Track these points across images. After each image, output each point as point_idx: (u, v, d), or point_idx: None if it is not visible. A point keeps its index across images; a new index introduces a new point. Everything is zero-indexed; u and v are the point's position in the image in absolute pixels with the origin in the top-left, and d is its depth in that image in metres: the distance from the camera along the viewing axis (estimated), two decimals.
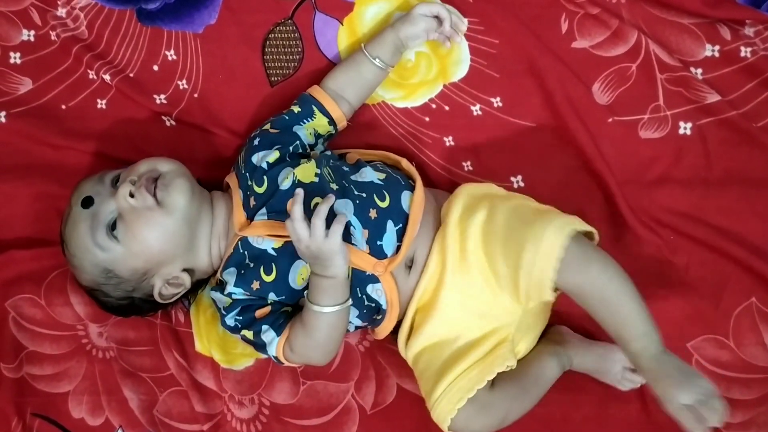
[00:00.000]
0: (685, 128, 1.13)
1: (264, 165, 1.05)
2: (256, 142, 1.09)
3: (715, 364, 1.11)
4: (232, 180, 1.09)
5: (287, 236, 0.98)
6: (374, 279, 1.03)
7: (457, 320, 1.04)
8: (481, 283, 1.02)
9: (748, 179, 1.11)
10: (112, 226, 1.02)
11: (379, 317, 1.07)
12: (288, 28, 1.19)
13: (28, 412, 1.17)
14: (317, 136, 1.12)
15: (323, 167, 1.04)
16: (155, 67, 1.20)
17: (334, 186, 1.03)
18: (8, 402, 1.16)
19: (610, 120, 1.14)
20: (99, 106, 1.21)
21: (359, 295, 1.03)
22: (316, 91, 1.12)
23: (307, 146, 1.10)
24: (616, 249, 1.12)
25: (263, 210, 1.03)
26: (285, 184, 1.03)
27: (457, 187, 1.09)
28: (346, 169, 1.07)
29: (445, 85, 1.17)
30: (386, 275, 1.03)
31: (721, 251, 1.10)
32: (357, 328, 1.09)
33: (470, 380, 1.01)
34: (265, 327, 1.04)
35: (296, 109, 1.12)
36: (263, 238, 1.02)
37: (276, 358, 1.05)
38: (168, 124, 1.21)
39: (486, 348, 1.03)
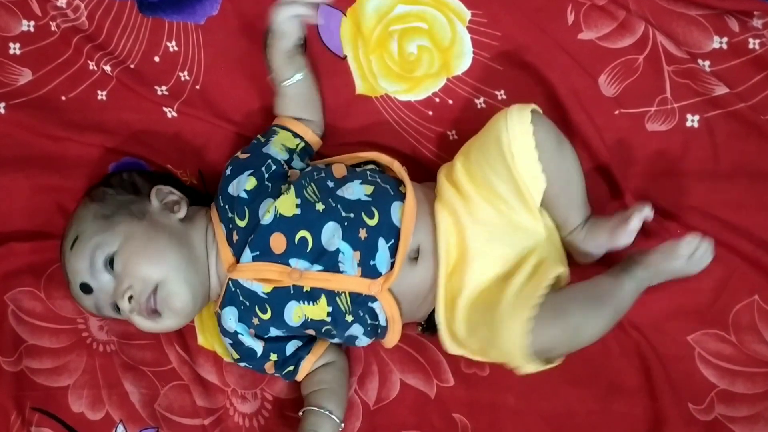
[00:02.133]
0: (692, 121, 1.01)
1: (243, 194, 0.94)
2: (228, 171, 0.98)
3: (718, 357, 1.01)
4: (213, 214, 0.98)
5: (276, 280, 0.91)
6: (372, 298, 0.93)
7: (490, 256, 0.92)
8: (492, 210, 0.92)
9: (756, 172, 1.01)
10: (115, 305, 0.95)
11: (381, 332, 0.97)
12: None
13: (27, 406, 1.06)
14: (289, 150, 1.01)
15: (305, 189, 0.94)
16: (156, 59, 1.08)
17: (320, 207, 0.92)
18: (7, 396, 1.04)
19: (616, 112, 1.02)
20: (99, 97, 1.09)
21: (361, 315, 0.94)
22: (276, 120, 1.03)
23: (283, 163, 0.99)
24: None
25: (247, 250, 0.93)
26: (266, 219, 0.92)
27: None
28: (331, 185, 0.96)
29: (448, 79, 1.05)
30: (384, 293, 0.93)
31: (727, 245, 1.00)
32: (368, 342, 1.00)
33: (529, 291, 0.88)
34: (277, 374, 1.00)
35: (260, 136, 1.02)
36: (252, 281, 0.92)
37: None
38: (169, 115, 1.09)
39: (528, 268, 0.91)
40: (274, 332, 0.97)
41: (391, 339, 0.98)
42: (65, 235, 0.98)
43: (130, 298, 0.92)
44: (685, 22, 1.02)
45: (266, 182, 0.96)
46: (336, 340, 1.00)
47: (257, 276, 0.93)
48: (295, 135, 1.02)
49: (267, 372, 1.01)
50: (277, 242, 0.92)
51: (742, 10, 1.01)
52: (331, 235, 0.92)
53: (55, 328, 1.08)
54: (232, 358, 1.01)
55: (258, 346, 0.98)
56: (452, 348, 0.96)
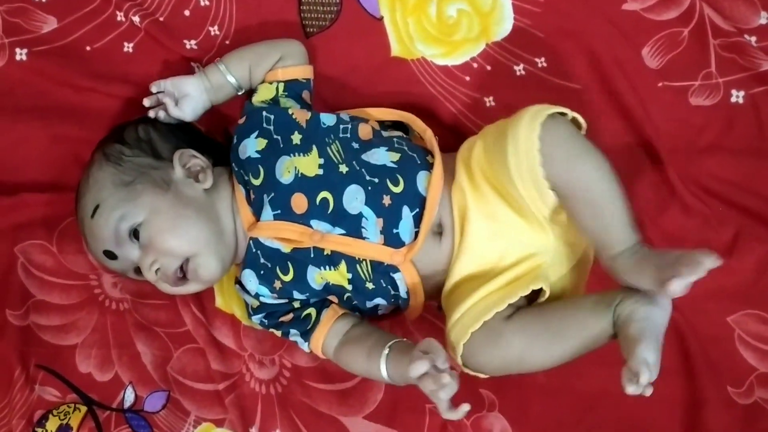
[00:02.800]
0: (737, 96, 0.96)
1: (253, 155, 0.88)
2: (234, 140, 0.92)
3: (758, 339, 0.95)
4: (233, 178, 0.92)
5: (296, 240, 0.84)
6: (394, 268, 0.86)
7: (487, 252, 0.86)
8: (504, 208, 0.85)
9: None
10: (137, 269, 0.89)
11: (402, 304, 0.90)
12: None
13: (32, 362, 0.98)
14: (272, 101, 0.95)
15: (329, 147, 0.87)
16: (186, 12, 1.03)
17: (343, 169, 0.86)
18: (12, 350, 0.97)
19: (660, 84, 0.97)
20: (126, 49, 1.02)
21: (383, 285, 0.87)
22: None
23: (282, 112, 0.92)
24: (662, 218, 0.95)
25: (268, 208, 0.86)
26: (286, 178, 0.86)
27: None
28: (356, 146, 0.89)
29: (487, 44, 0.99)
30: (406, 264, 0.86)
31: None
32: (390, 310, 0.93)
33: (490, 303, 0.82)
34: (292, 331, 0.91)
35: (247, 100, 0.97)
36: (272, 240, 0.85)
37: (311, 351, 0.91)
38: (198, 70, 1.02)
39: (517, 272, 0.84)
40: (297, 295, 0.90)
41: (412, 312, 0.92)
42: (82, 200, 0.90)
43: (157, 270, 0.86)
44: None
45: (275, 136, 0.89)
46: (357, 312, 0.93)
47: (277, 235, 0.86)
48: (270, 83, 0.95)
49: (283, 324, 0.92)
50: (298, 202, 0.86)
51: None
52: (353, 197, 0.86)
53: (65, 283, 1.01)
54: (250, 310, 0.93)
55: (282, 301, 0.92)
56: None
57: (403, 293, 0.88)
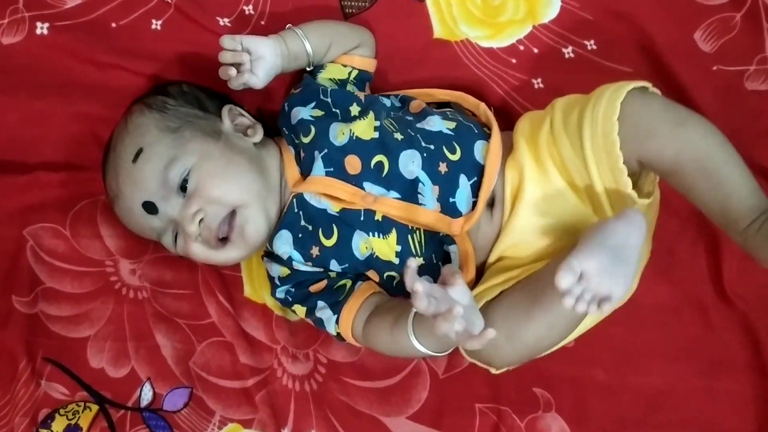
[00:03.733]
0: None
1: (307, 117, 0.81)
2: (285, 107, 0.85)
3: None
4: (279, 140, 0.85)
5: (347, 201, 0.76)
6: (449, 240, 0.77)
7: (529, 233, 0.77)
8: (564, 193, 0.76)
9: None
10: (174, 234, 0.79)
11: None
12: None
13: (39, 355, 0.85)
14: (341, 82, 0.88)
15: (383, 119, 0.80)
16: None
17: (398, 136, 0.79)
18: (18, 340, 0.84)
19: (714, 68, 0.90)
20: (153, 26, 0.94)
21: (434, 261, 0.78)
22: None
23: (343, 90, 0.86)
24: None
25: (319, 163, 0.78)
26: (341, 140, 0.79)
27: None
28: (410, 118, 0.83)
29: (534, 26, 0.93)
30: (462, 236, 0.78)
31: None
32: None
33: (486, 291, 0.74)
34: (321, 303, 0.79)
35: (308, 72, 0.89)
36: (321, 197, 0.75)
37: (338, 335, 0.79)
38: None
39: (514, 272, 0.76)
40: (333, 266, 0.80)
41: None
42: (120, 146, 0.81)
43: (201, 221, 0.75)
44: None
45: (333, 109, 0.83)
46: (395, 293, 0.82)
47: (326, 191, 0.77)
48: (344, 65, 0.88)
49: (311, 295, 0.81)
50: (352, 164, 0.79)
51: None
52: (409, 160, 0.78)
53: (78, 270, 0.89)
54: (277, 281, 0.82)
55: (316, 271, 0.81)
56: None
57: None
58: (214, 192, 0.76)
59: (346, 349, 0.87)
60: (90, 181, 0.90)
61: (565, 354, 0.87)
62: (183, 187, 0.77)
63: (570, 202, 0.77)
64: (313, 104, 0.83)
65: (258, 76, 0.82)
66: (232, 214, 0.77)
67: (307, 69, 0.88)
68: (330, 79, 0.88)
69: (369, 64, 0.90)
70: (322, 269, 0.82)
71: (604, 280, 0.63)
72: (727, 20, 0.93)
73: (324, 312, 0.80)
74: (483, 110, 0.86)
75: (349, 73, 0.88)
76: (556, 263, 0.68)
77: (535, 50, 0.94)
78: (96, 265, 0.89)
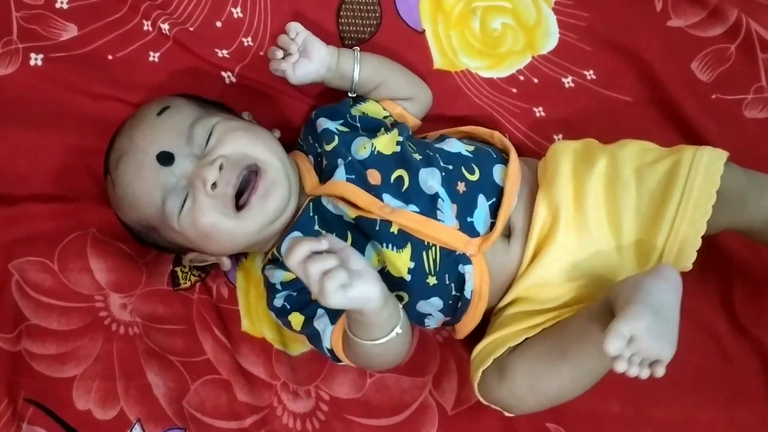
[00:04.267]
0: None
1: (332, 128, 0.79)
2: (313, 115, 0.83)
3: None
4: (294, 153, 0.82)
5: (364, 208, 0.73)
6: (465, 260, 0.74)
7: (555, 282, 0.75)
8: (600, 239, 0.74)
9: None
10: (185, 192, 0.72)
11: (460, 309, 0.76)
12: None
13: (21, 396, 0.78)
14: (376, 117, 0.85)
15: (405, 137, 0.78)
16: (218, 23, 0.93)
17: (417, 156, 0.77)
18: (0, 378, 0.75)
19: (713, 97, 0.90)
20: (151, 59, 0.91)
21: (447, 282, 0.74)
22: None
23: (373, 117, 0.84)
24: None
25: (342, 169, 0.76)
26: (362, 154, 0.77)
27: (550, 147, 0.82)
28: (428, 141, 0.82)
29: (533, 57, 0.92)
30: (479, 256, 0.75)
31: None
32: (439, 324, 0.79)
33: (509, 336, 0.71)
34: (320, 312, 0.74)
35: (351, 97, 0.87)
36: (338, 202, 0.72)
37: (331, 351, 0.74)
38: (228, 81, 0.91)
39: (547, 317, 0.73)
40: None
41: (467, 324, 0.78)
42: (143, 107, 0.78)
43: (221, 167, 0.70)
44: None
45: (361, 131, 0.81)
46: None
47: (345, 195, 0.74)
48: (384, 108, 0.86)
49: (310, 304, 0.76)
50: (373, 176, 0.76)
51: None
52: (429, 176, 0.76)
53: (66, 306, 0.83)
54: (278, 286, 0.76)
55: None
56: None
57: (468, 293, 0.74)
58: (237, 142, 0.72)
59: (350, 385, 0.82)
60: (81, 213, 0.86)
61: None
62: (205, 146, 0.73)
63: (606, 252, 0.74)
64: (340, 122, 0.81)
65: (295, 74, 0.82)
66: (256, 174, 0.72)
67: (350, 94, 0.85)
68: (364, 113, 0.85)
69: (409, 120, 0.86)
70: None
71: (654, 342, 0.61)
72: (723, 51, 0.93)
73: (322, 321, 0.75)
74: (498, 137, 0.84)
75: (385, 117, 0.85)
76: (586, 316, 0.68)
77: (536, 80, 0.93)
78: (85, 300, 0.84)
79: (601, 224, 0.75)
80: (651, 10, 0.94)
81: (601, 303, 0.69)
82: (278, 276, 0.78)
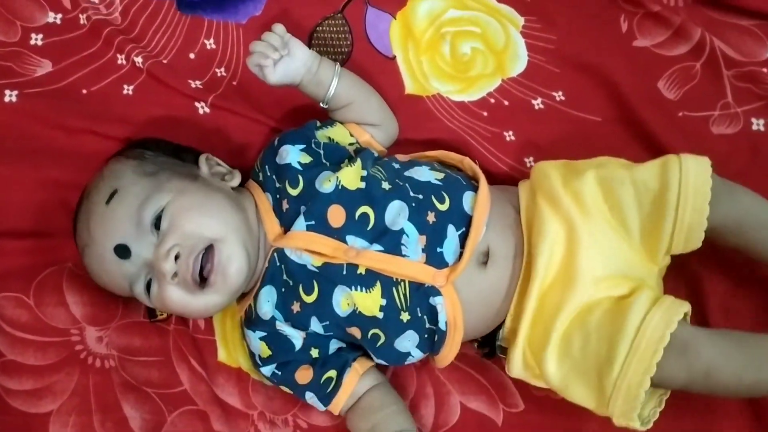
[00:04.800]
0: (758, 125, 0.91)
1: (295, 165, 0.79)
2: (276, 142, 0.83)
3: None
4: (252, 187, 0.82)
5: (328, 255, 0.73)
6: (435, 291, 0.74)
7: (602, 282, 0.74)
8: (615, 236, 0.75)
9: None
10: (148, 284, 0.74)
11: (437, 341, 0.77)
12: (337, 21, 0.95)
13: None
14: (339, 143, 0.85)
15: (370, 168, 0.78)
16: (192, 55, 0.95)
17: (386, 185, 0.77)
18: None
19: (680, 114, 0.91)
20: (125, 92, 0.93)
21: (419, 315, 0.75)
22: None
23: (337, 145, 0.83)
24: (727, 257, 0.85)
25: (301, 218, 0.75)
26: (326, 188, 0.76)
27: (533, 167, 0.83)
28: (397, 166, 0.81)
29: (503, 80, 0.93)
30: (448, 287, 0.75)
31: None
32: (417, 356, 0.79)
33: (658, 324, 0.69)
34: (309, 395, 0.78)
35: (318, 121, 0.86)
36: (302, 252, 0.72)
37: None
38: (201, 111, 0.92)
39: (647, 296, 0.72)
40: (314, 326, 0.75)
41: (446, 354, 0.78)
42: (93, 191, 0.77)
43: (177, 257, 0.70)
44: (738, 33, 0.95)
45: (324, 160, 0.80)
46: (380, 361, 0.78)
47: (308, 246, 0.74)
48: (351, 134, 0.86)
49: (298, 385, 0.78)
50: (336, 215, 0.75)
51: None
52: (397, 214, 0.76)
53: (42, 341, 0.83)
54: (258, 360, 0.78)
55: (298, 337, 0.76)
56: (517, 370, 0.76)
57: (442, 324, 0.74)
58: (189, 225, 0.72)
59: (328, 413, 0.82)
60: (57, 248, 0.86)
61: (556, 407, 0.82)
62: (157, 226, 0.73)
63: (620, 248, 0.76)
64: (302, 146, 0.80)
65: (276, 72, 0.80)
66: (211, 251, 0.73)
67: (321, 104, 0.85)
68: (330, 138, 0.84)
69: (376, 147, 0.86)
70: (303, 334, 0.78)
71: None
72: (688, 69, 0.95)
73: (313, 401, 0.79)
74: (468, 164, 0.85)
75: (351, 144, 0.84)
76: None
77: (506, 102, 0.94)
78: (61, 334, 0.84)
79: (608, 221, 0.75)
80: (617, 30, 0.96)
81: None
82: (256, 346, 0.79)
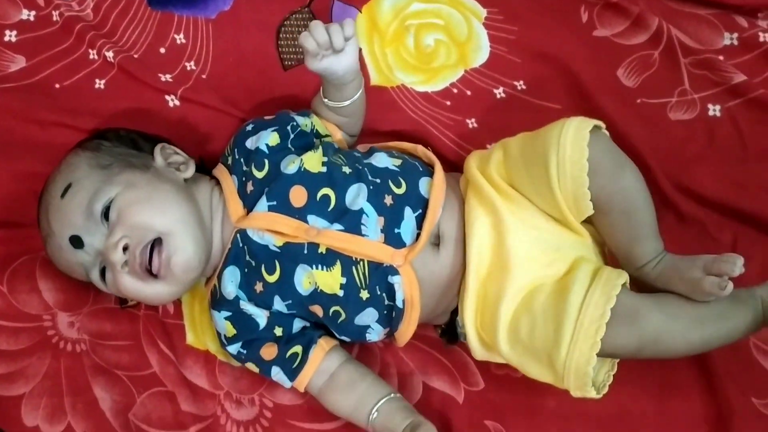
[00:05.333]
0: (714, 110, 0.94)
1: (263, 148, 0.81)
2: (249, 127, 0.85)
3: None
4: (219, 171, 0.84)
5: (289, 234, 0.75)
6: (393, 271, 0.76)
7: (537, 260, 0.77)
8: (537, 212, 0.78)
9: None
10: (102, 271, 0.78)
11: (395, 318, 0.79)
12: (305, 15, 0.99)
13: None
14: (314, 132, 0.88)
15: (332, 155, 0.81)
16: (162, 50, 0.98)
17: (346, 169, 0.80)
18: None
19: (638, 101, 0.94)
20: (97, 86, 0.96)
21: (378, 293, 0.77)
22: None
23: (309, 134, 0.86)
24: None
25: (263, 199, 0.78)
26: (290, 169, 0.79)
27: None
28: (358, 154, 0.85)
29: (466, 70, 0.97)
30: (406, 266, 0.77)
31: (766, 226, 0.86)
32: (381, 336, 0.82)
33: (599, 301, 0.71)
34: (275, 370, 0.80)
35: (290, 111, 0.89)
36: (263, 233, 0.74)
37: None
38: (171, 104, 0.95)
39: (586, 273, 0.74)
40: (278, 304, 0.78)
41: (404, 331, 0.81)
42: (51, 184, 0.80)
43: (125, 248, 0.74)
44: (695, 22, 0.99)
45: (290, 145, 0.83)
46: (344, 337, 0.80)
47: (270, 227, 0.76)
48: (327, 129, 0.89)
49: (264, 362, 0.80)
50: (297, 195, 0.78)
51: (748, 7, 0.97)
52: (356, 194, 0.79)
53: (15, 326, 0.86)
54: (224, 340, 0.81)
55: (262, 316, 0.79)
56: (480, 353, 0.79)
57: (399, 302, 0.77)
58: (136, 218, 0.75)
59: (293, 392, 0.84)
60: (30, 238, 0.89)
61: (515, 384, 0.85)
62: (107, 217, 0.76)
63: (547, 220, 0.79)
64: (275, 128, 0.82)
65: (319, 64, 0.78)
66: (160, 243, 0.75)
67: (325, 99, 0.86)
68: (310, 125, 0.87)
69: (341, 145, 0.89)
70: (267, 313, 0.80)
71: None
72: (647, 57, 0.98)
73: (279, 376, 0.81)
74: (422, 151, 0.87)
75: (326, 136, 0.87)
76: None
77: (468, 92, 0.97)
78: (33, 320, 0.86)
79: (521, 199, 0.78)
80: (577, 21, 0.99)
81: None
82: (221, 326, 0.81)
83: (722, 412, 0.82)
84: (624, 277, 0.74)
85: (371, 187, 0.79)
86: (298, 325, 0.81)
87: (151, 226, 0.75)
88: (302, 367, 0.80)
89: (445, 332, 0.86)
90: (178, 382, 0.83)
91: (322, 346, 0.80)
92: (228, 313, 0.80)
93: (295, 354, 0.80)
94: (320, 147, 0.82)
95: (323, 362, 0.81)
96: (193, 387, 0.84)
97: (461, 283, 0.80)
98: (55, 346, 0.85)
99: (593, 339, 0.70)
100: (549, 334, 0.72)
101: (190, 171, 0.83)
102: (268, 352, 0.80)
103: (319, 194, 0.78)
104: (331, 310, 0.78)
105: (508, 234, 0.76)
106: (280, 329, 0.80)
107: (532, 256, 0.76)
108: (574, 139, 0.73)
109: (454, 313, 0.83)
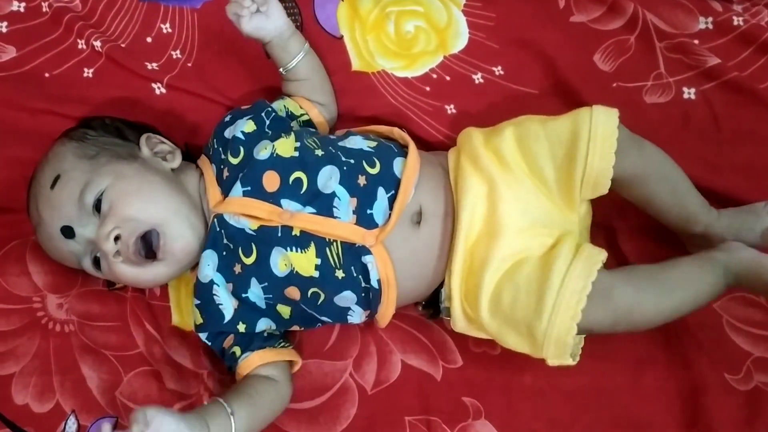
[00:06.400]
0: (689, 93, 0.96)
1: (239, 135, 0.84)
2: (227, 118, 0.88)
3: (748, 323, 0.88)
4: (202, 161, 0.87)
5: (264, 218, 0.77)
6: (366, 251, 0.79)
7: (524, 233, 0.79)
8: (533, 188, 0.80)
9: (759, 138, 0.92)
10: (96, 259, 0.80)
11: (373, 298, 0.80)
12: (287, 3, 1.01)
13: None
14: (291, 115, 0.91)
15: (305, 139, 0.84)
16: (149, 39, 1.00)
17: (319, 152, 0.82)
18: None
19: (614, 85, 0.96)
20: (85, 74, 0.99)
21: (354, 274, 0.79)
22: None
23: (285, 118, 0.89)
24: (635, 209, 0.89)
25: (238, 185, 0.80)
26: (262, 155, 0.81)
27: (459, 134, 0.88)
28: (333, 137, 0.87)
29: (445, 56, 0.99)
30: (378, 246, 0.79)
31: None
32: (363, 318, 0.84)
33: (580, 274, 0.74)
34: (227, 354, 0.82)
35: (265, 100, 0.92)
36: (239, 217, 0.77)
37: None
38: (158, 92, 0.98)
39: (569, 248, 0.77)
40: (254, 289, 0.80)
41: (384, 312, 0.83)
42: (39, 174, 0.83)
43: (117, 238, 0.76)
44: (670, 6, 1.00)
45: (266, 129, 0.85)
46: (325, 318, 0.82)
47: (244, 211, 0.79)
48: (301, 107, 0.92)
49: (224, 347, 0.83)
50: (270, 180, 0.80)
51: None
52: (328, 177, 0.80)
53: (5, 308, 0.89)
54: (195, 327, 0.84)
55: (230, 307, 0.82)
56: (461, 325, 0.80)
57: (374, 282, 0.79)
58: (128, 210, 0.78)
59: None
60: (20, 223, 0.91)
61: (492, 362, 0.87)
62: (98, 208, 0.78)
63: (540, 197, 0.81)
64: (251, 115, 0.84)
65: (250, 23, 0.85)
66: (156, 234, 0.78)
67: (281, 70, 0.91)
68: (285, 106, 0.91)
69: (320, 124, 0.93)
70: (237, 301, 0.82)
71: None
72: (623, 42, 0.99)
73: (237, 351, 0.83)
74: (398, 133, 0.89)
75: (301, 114, 0.91)
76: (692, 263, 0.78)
77: (448, 78, 0.99)
78: (23, 302, 0.89)
79: (527, 175, 0.81)
80: (555, 7, 1.01)
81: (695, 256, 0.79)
82: (195, 314, 0.84)
83: (696, 388, 0.84)
84: (603, 255, 0.76)
85: (345, 168, 0.81)
86: (262, 325, 0.83)
87: (142, 219, 0.78)
88: (234, 369, 0.83)
89: (427, 306, 0.88)
90: (164, 362, 0.86)
91: (265, 355, 0.82)
92: (197, 301, 0.82)
93: (234, 354, 0.82)
94: (293, 133, 0.84)
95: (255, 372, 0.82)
96: (178, 366, 0.86)
97: (449, 254, 0.81)
98: (44, 326, 0.88)
99: (574, 310, 0.72)
100: (531, 304, 0.74)
101: (176, 161, 0.85)
102: (228, 341, 0.83)
103: (292, 178, 0.80)
104: (310, 292, 0.80)
105: (501, 202, 0.79)
106: (244, 326, 0.83)
107: (520, 228, 0.78)
108: (605, 121, 0.77)
109: (438, 290, 0.85)
